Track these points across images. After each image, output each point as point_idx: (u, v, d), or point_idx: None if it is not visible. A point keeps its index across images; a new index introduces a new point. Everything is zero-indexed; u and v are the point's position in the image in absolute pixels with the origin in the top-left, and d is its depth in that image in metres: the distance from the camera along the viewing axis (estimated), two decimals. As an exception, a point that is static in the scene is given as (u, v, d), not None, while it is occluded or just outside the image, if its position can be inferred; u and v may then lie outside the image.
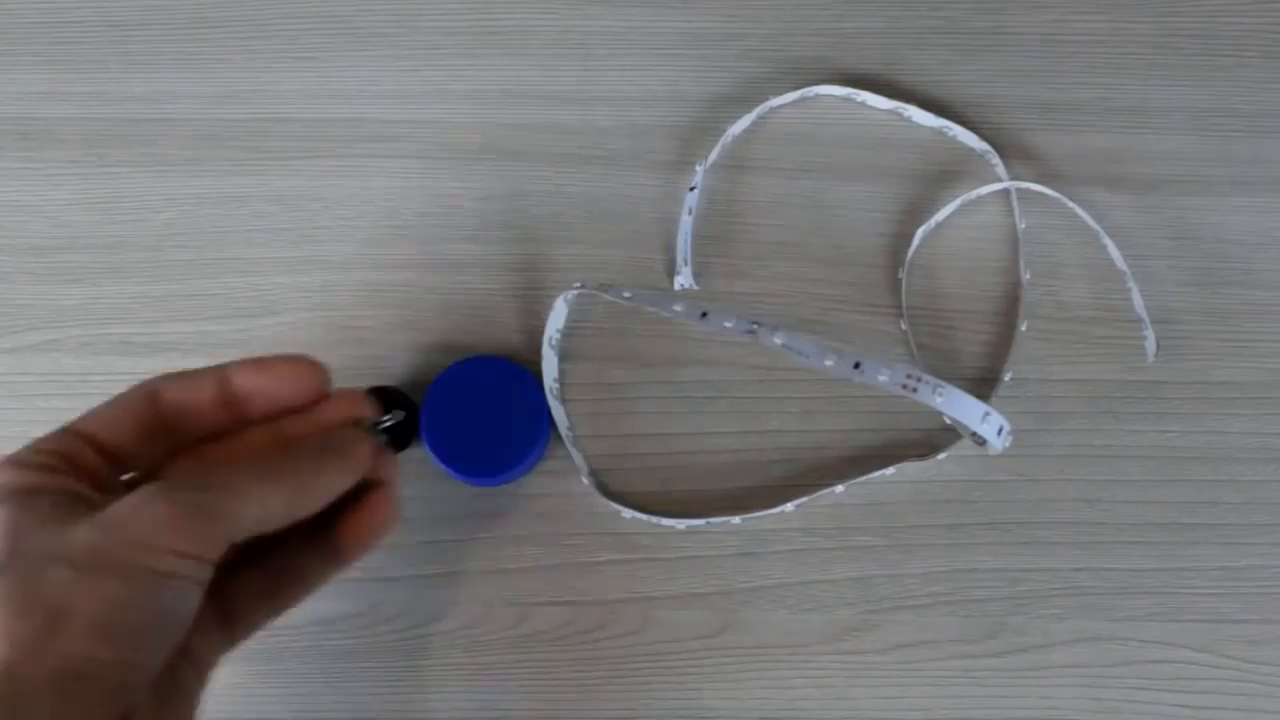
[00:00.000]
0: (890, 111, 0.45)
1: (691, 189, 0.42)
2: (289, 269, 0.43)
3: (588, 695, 0.39)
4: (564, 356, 0.42)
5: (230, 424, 0.32)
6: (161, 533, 0.27)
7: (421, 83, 0.45)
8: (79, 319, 0.42)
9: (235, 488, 0.28)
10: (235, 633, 0.31)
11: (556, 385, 0.41)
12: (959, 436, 0.40)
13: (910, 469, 0.40)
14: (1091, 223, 0.42)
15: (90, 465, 0.29)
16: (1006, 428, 0.36)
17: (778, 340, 0.35)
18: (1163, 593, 0.39)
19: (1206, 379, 0.42)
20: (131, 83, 0.45)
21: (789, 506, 0.40)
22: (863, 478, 0.40)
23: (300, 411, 0.32)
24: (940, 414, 0.41)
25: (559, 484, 0.40)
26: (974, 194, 0.43)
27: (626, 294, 0.38)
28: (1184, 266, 0.43)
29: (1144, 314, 0.41)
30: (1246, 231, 0.43)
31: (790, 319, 0.42)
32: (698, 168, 0.43)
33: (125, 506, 0.27)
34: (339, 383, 0.41)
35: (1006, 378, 0.41)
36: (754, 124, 0.45)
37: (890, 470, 0.40)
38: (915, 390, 0.34)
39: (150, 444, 0.31)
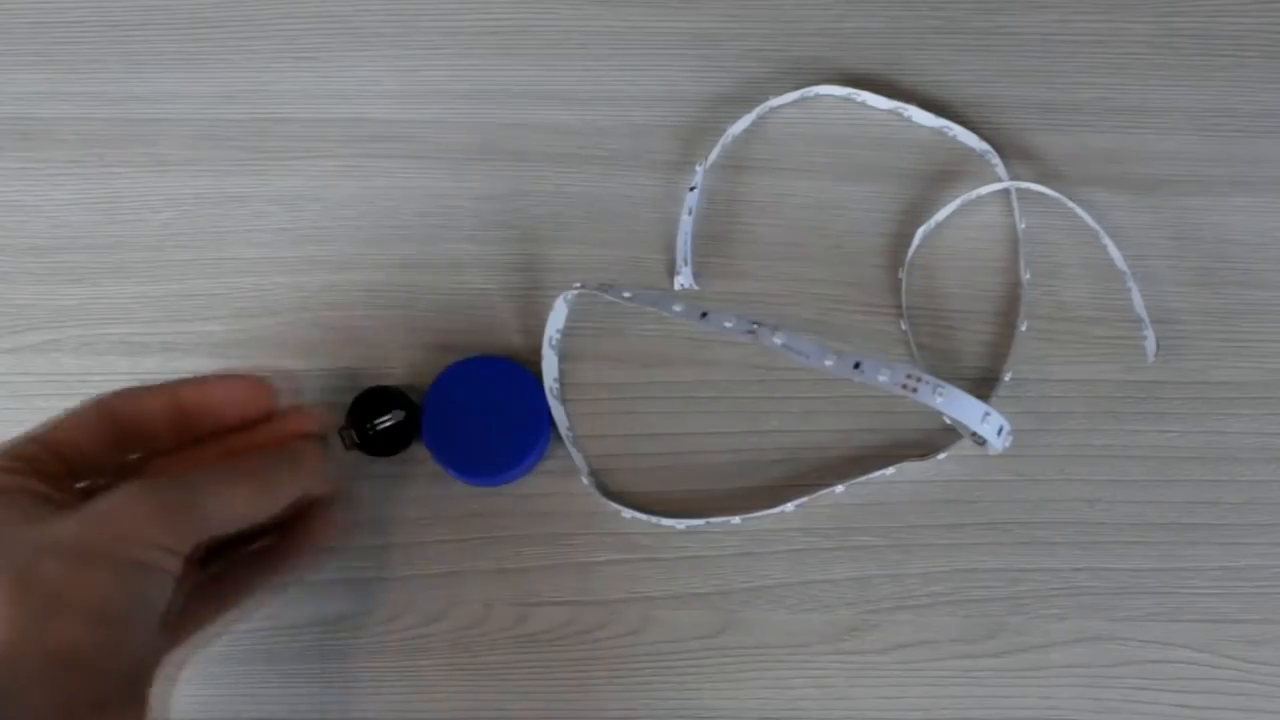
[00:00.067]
0: (890, 111, 0.45)
1: (691, 189, 0.42)
2: (289, 269, 0.43)
3: (588, 695, 0.39)
4: (564, 356, 0.42)
5: (183, 437, 0.34)
6: (145, 526, 0.29)
7: (421, 83, 0.45)
8: (79, 319, 0.42)
9: (208, 488, 0.31)
10: (180, 634, 0.33)
11: (556, 385, 0.41)
12: (959, 436, 0.40)
13: (910, 469, 0.40)
14: (1091, 223, 0.42)
15: (52, 471, 0.31)
16: (1006, 428, 0.36)
17: (778, 340, 0.35)
18: (1163, 593, 0.39)
19: (1206, 379, 0.42)
20: (131, 83, 0.45)
21: (789, 506, 0.40)
22: (863, 478, 0.40)
23: (250, 427, 0.35)
24: (940, 414, 0.41)
25: (559, 484, 0.40)
26: (974, 194, 0.43)
27: (626, 294, 0.38)
28: (1184, 266, 0.43)
29: (1144, 314, 0.41)
30: (1246, 231, 0.43)
31: (790, 319, 0.42)
32: (698, 168, 0.43)
33: (109, 502, 0.29)
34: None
35: (1006, 378, 0.41)
36: (754, 124, 0.45)
37: (890, 470, 0.40)
38: (915, 390, 0.34)
39: (105, 454, 0.32)
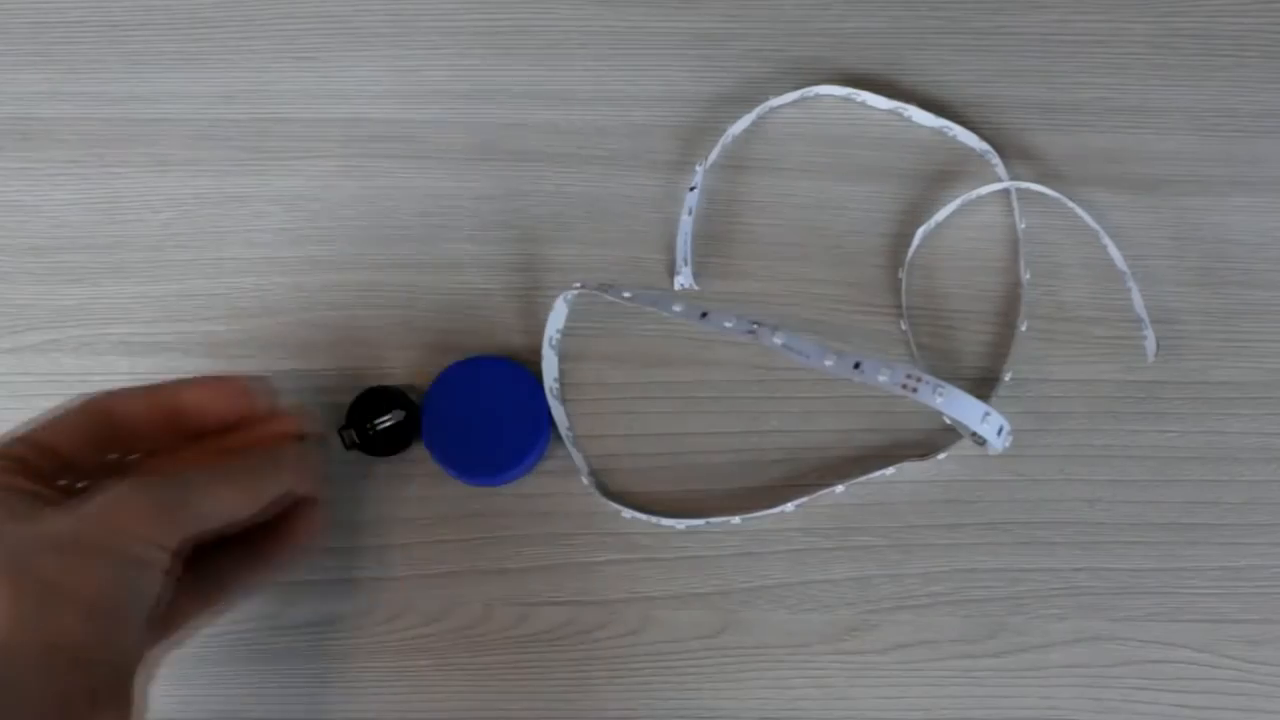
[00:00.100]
0: (890, 111, 0.45)
1: (691, 189, 0.42)
2: (289, 269, 0.43)
3: (588, 695, 0.39)
4: (564, 356, 0.42)
5: (166, 439, 0.35)
6: (139, 522, 0.29)
7: (421, 83, 0.45)
8: (79, 319, 0.42)
9: (199, 486, 0.31)
10: (165, 631, 0.33)
11: (556, 385, 0.41)
12: (959, 436, 0.40)
13: (910, 469, 0.40)
14: (1091, 223, 0.42)
15: (41, 470, 0.31)
16: (1006, 428, 0.36)
17: (778, 340, 0.35)
18: (1163, 593, 0.39)
19: (1206, 379, 0.42)
20: (131, 83, 0.45)
21: (789, 506, 0.40)
22: (863, 478, 0.40)
23: (233, 429, 0.35)
24: (940, 414, 0.41)
25: (559, 484, 0.40)
26: (974, 194, 0.43)
27: (626, 294, 0.38)
28: (1184, 266, 0.43)
29: (1144, 314, 0.41)
30: (1246, 231, 0.43)
31: (790, 319, 0.42)
32: (698, 168, 0.43)
33: (102, 498, 0.30)
34: (339, 381, 0.41)
35: (1006, 378, 0.41)
36: (754, 124, 0.45)
37: (890, 470, 0.40)
38: (915, 390, 0.34)
39: (89, 454, 0.33)
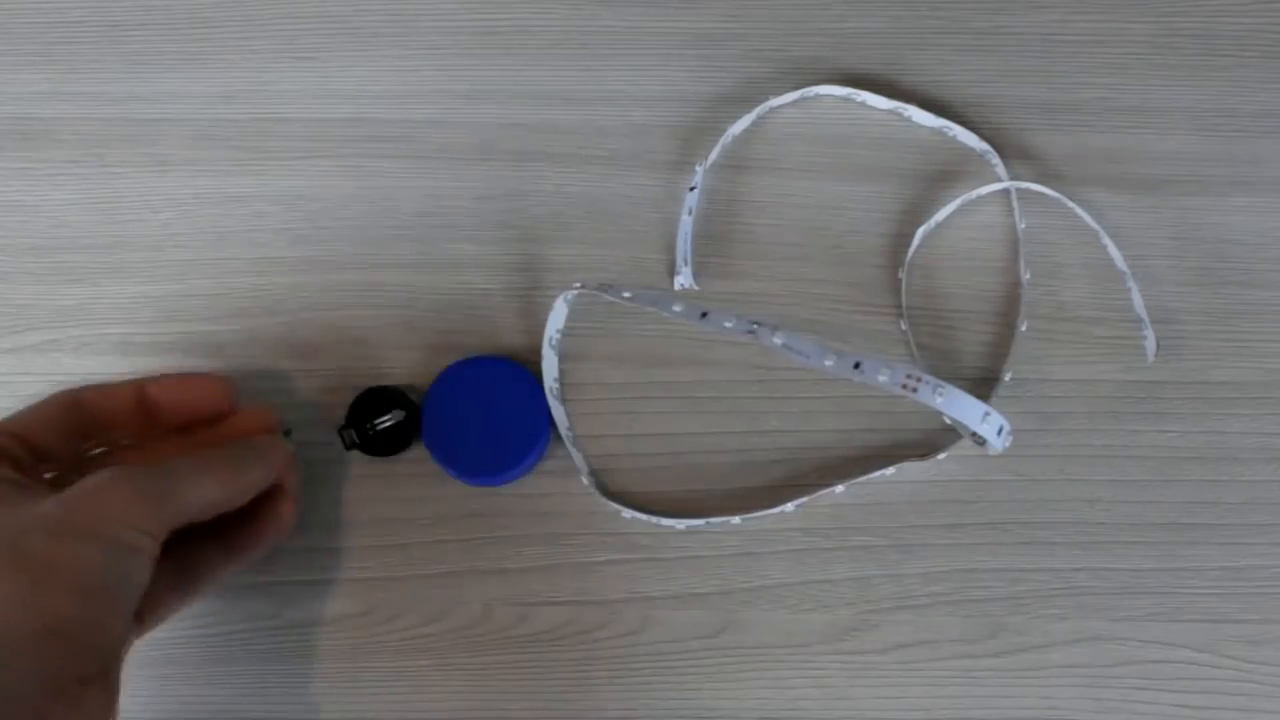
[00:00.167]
0: (890, 111, 0.45)
1: (691, 189, 0.42)
2: (289, 269, 0.43)
3: (588, 695, 0.39)
4: (564, 356, 0.42)
5: (144, 432, 0.36)
6: (126, 508, 0.30)
7: (421, 83, 0.45)
8: (79, 319, 0.42)
9: (183, 474, 0.32)
10: (143, 620, 0.33)
11: (556, 385, 0.41)
12: (959, 436, 0.40)
13: (910, 469, 0.40)
14: (1091, 223, 0.42)
15: (20, 461, 0.32)
16: (1006, 428, 0.36)
17: (778, 340, 0.35)
18: (1163, 593, 0.39)
19: (1206, 379, 0.42)
20: (131, 83, 0.45)
21: (789, 506, 0.40)
22: (863, 478, 0.40)
23: (210, 423, 0.37)
24: (940, 414, 0.41)
25: (559, 484, 0.40)
26: (974, 194, 0.43)
27: (626, 294, 0.38)
28: (1184, 266, 0.43)
29: (1144, 314, 0.41)
30: (1246, 231, 0.43)
31: (790, 319, 0.42)
32: (698, 168, 0.43)
33: (89, 485, 0.30)
34: (339, 381, 0.41)
35: (1006, 378, 0.41)
36: (754, 124, 0.45)
37: (890, 470, 0.40)
38: (915, 390, 0.34)
39: (68, 446, 0.34)
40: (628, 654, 0.39)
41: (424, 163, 0.44)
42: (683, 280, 0.42)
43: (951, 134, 0.44)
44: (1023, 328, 0.42)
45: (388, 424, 0.40)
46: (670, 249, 0.43)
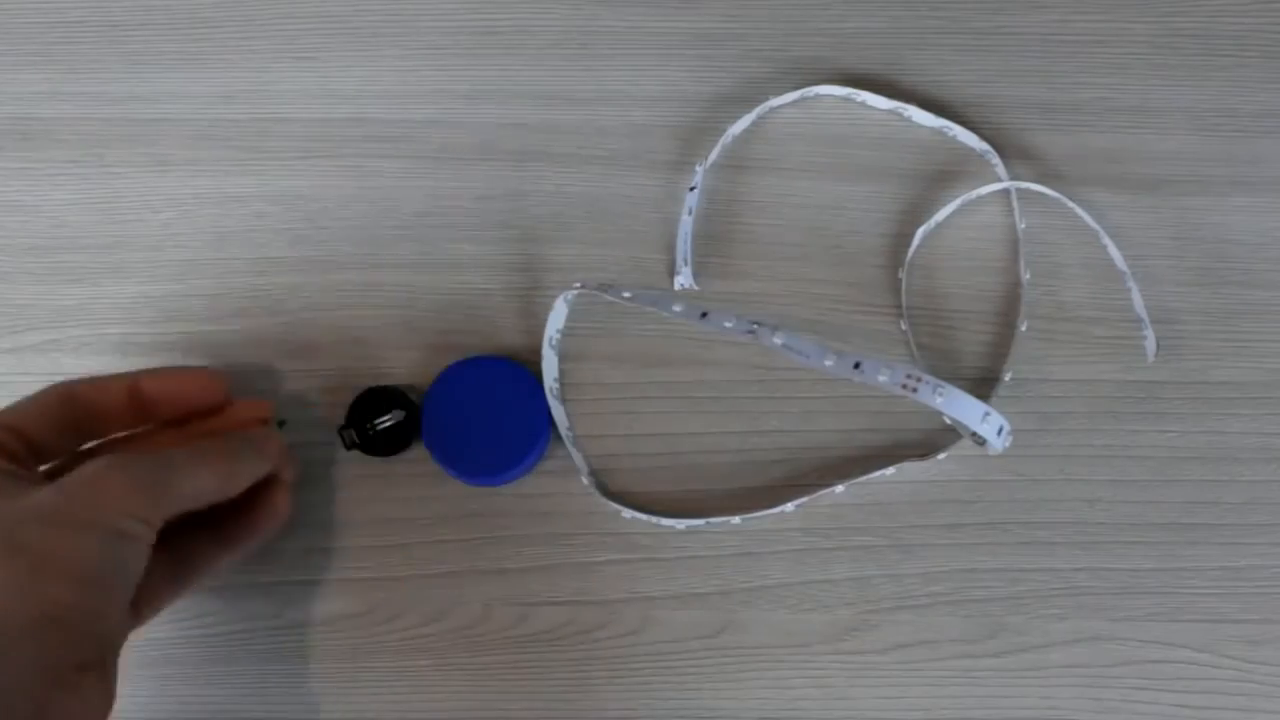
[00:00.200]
0: (890, 111, 0.45)
1: (691, 189, 0.42)
2: (289, 269, 0.43)
3: (588, 695, 0.39)
4: (564, 356, 0.42)
5: (139, 425, 0.36)
6: (123, 497, 0.30)
7: (421, 83, 0.45)
8: (79, 319, 0.42)
9: (180, 465, 0.32)
10: (139, 610, 0.34)
11: (556, 385, 0.41)
12: (959, 436, 0.40)
13: (910, 469, 0.40)
14: (1091, 223, 0.42)
15: (16, 452, 0.32)
16: (1006, 428, 0.36)
17: (778, 340, 0.35)
18: (1163, 593, 0.39)
19: (1206, 379, 0.42)
20: (131, 83, 0.45)
21: (789, 506, 0.40)
22: (863, 478, 0.40)
23: (204, 416, 0.37)
24: (940, 414, 0.41)
25: (559, 484, 0.40)
26: (974, 194, 0.43)
27: (626, 294, 0.38)
28: (1184, 266, 0.43)
29: (1144, 314, 0.41)
30: (1246, 231, 0.43)
31: (790, 319, 0.42)
32: (698, 168, 0.43)
33: (85, 474, 0.30)
34: (339, 381, 0.41)
35: (1006, 378, 0.41)
36: (754, 124, 0.45)
37: (890, 470, 0.40)
38: (915, 390, 0.34)
39: (63, 438, 0.34)
40: (628, 654, 0.39)
41: (424, 163, 0.44)
42: (683, 280, 0.42)
43: (951, 134, 0.44)
44: (1023, 328, 0.42)
45: (388, 424, 0.40)
46: (670, 249, 0.43)
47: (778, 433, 0.41)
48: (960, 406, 0.35)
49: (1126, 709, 0.38)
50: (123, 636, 0.31)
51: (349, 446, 0.40)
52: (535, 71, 0.45)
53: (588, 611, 0.39)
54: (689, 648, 0.39)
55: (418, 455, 0.40)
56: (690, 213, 0.42)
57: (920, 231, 0.42)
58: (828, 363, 0.35)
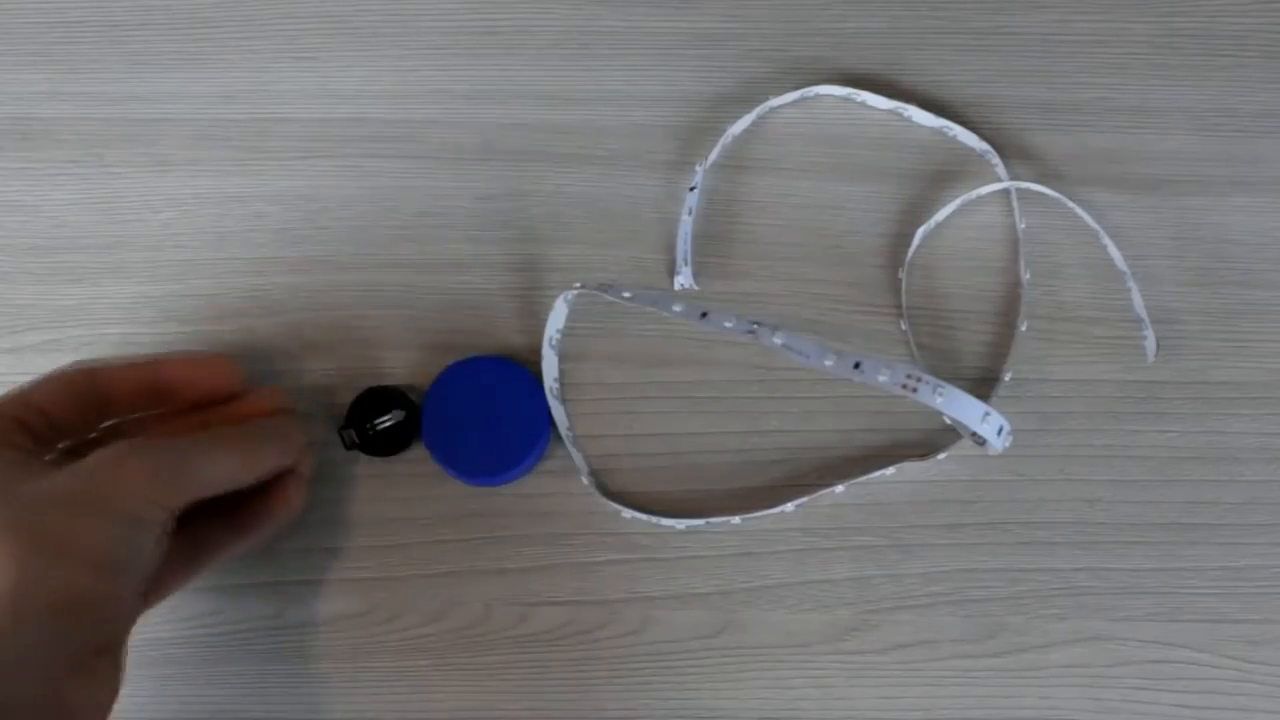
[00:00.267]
0: (890, 111, 0.45)
1: (691, 189, 0.42)
2: (289, 269, 0.43)
3: (588, 695, 0.39)
4: (564, 356, 0.42)
5: (153, 409, 0.36)
6: (140, 482, 0.30)
7: (421, 83, 0.45)
8: (79, 319, 0.42)
9: (198, 451, 0.32)
10: (151, 595, 0.34)
11: (556, 385, 0.41)
12: (959, 436, 0.40)
13: (910, 469, 0.40)
14: (1091, 223, 0.42)
15: (40, 432, 0.32)
16: (1006, 428, 0.36)
17: (778, 340, 0.35)
18: (1163, 593, 0.39)
19: (1206, 379, 0.42)
20: (131, 83, 0.45)
21: (789, 506, 0.40)
22: (863, 478, 0.40)
23: (217, 403, 0.36)
24: (940, 414, 0.41)
25: (559, 484, 0.40)
26: (974, 194, 0.43)
27: (626, 294, 0.38)
28: (1184, 266, 0.43)
29: (1144, 314, 0.41)
30: (1246, 231, 0.43)
31: (790, 319, 0.42)
32: (698, 168, 0.43)
33: (102, 458, 0.30)
34: (339, 381, 0.41)
35: (1006, 378, 0.41)
36: (754, 124, 0.45)
37: (890, 470, 0.40)
38: (915, 390, 0.34)
39: (79, 419, 0.34)
40: (628, 654, 0.39)
41: (424, 163, 0.44)
42: (683, 280, 0.42)
43: (951, 134, 0.44)
44: (1023, 328, 0.42)
45: (388, 424, 0.40)
46: (670, 249, 0.43)
47: (778, 433, 0.41)
48: (960, 406, 0.35)
49: (1126, 709, 0.38)
50: (133, 620, 0.31)
51: (349, 446, 0.40)
52: (535, 71, 0.45)
53: (588, 611, 0.39)
54: (689, 648, 0.39)
55: (418, 455, 0.40)
56: (690, 213, 0.42)
57: (920, 231, 0.42)
58: (828, 363, 0.35)
